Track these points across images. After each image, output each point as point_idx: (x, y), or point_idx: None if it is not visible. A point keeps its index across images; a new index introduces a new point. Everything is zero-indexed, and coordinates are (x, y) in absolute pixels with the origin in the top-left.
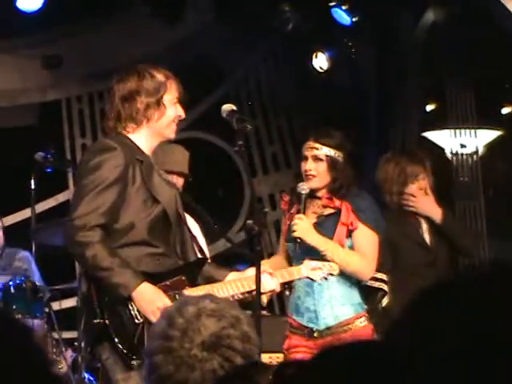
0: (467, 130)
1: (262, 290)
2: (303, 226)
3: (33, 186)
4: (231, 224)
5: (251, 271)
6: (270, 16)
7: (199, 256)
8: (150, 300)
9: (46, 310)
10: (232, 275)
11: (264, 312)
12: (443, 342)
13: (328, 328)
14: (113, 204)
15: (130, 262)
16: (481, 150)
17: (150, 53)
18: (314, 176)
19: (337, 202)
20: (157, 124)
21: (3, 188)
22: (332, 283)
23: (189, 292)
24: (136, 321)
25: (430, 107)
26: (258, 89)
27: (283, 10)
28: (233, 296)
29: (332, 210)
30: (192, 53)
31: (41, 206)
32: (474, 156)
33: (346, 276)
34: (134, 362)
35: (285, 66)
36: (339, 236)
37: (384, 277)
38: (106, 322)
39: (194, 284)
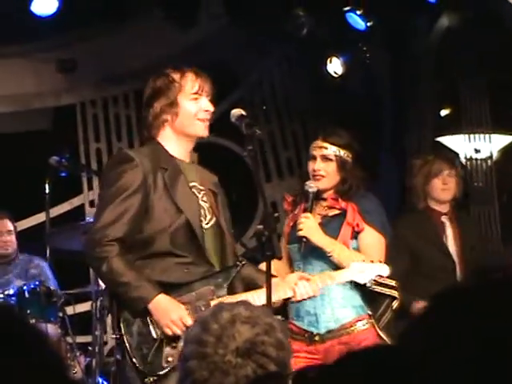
0: (481, 135)
1: (299, 297)
2: (310, 225)
3: (47, 191)
4: (245, 229)
5: (290, 277)
6: (284, 20)
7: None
8: (164, 312)
9: (60, 314)
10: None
11: (278, 317)
12: (458, 347)
13: (329, 331)
14: (133, 215)
15: (156, 273)
16: (495, 155)
17: (163, 57)
18: (322, 176)
19: (342, 203)
20: (177, 124)
21: (18, 192)
22: (333, 285)
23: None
24: (154, 336)
25: (444, 112)
26: (272, 93)
27: (297, 15)
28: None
29: (337, 211)
30: (206, 57)
31: (55, 211)
32: (489, 161)
33: None
34: (148, 380)
35: (299, 71)
36: (344, 236)
37: (393, 283)
38: (124, 337)
39: (229, 292)
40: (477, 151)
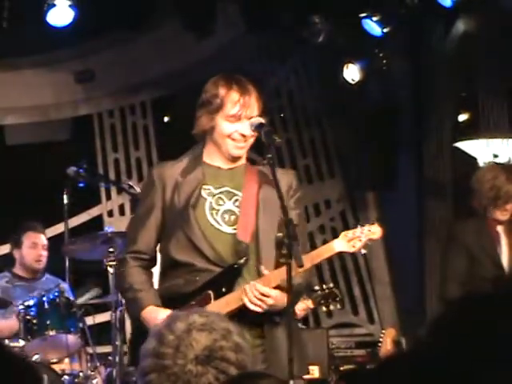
0: (500, 140)
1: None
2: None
3: (65, 201)
4: None
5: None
6: (300, 28)
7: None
8: (154, 323)
9: (80, 324)
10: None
11: (299, 325)
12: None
13: None
14: (150, 232)
15: (180, 283)
16: None
17: (180, 66)
18: None
19: None
20: (212, 137)
21: (36, 203)
22: None
23: (211, 307)
24: None
25: (462, 117)
26: (289, 101)
27: (314, 22)
28: None
29: None
30: (223, 66)
31: (73, 221)
32: None
33: None
34: None
35: (316, 78)
36: None
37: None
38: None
39: (229, 293)
40: (495, 156)
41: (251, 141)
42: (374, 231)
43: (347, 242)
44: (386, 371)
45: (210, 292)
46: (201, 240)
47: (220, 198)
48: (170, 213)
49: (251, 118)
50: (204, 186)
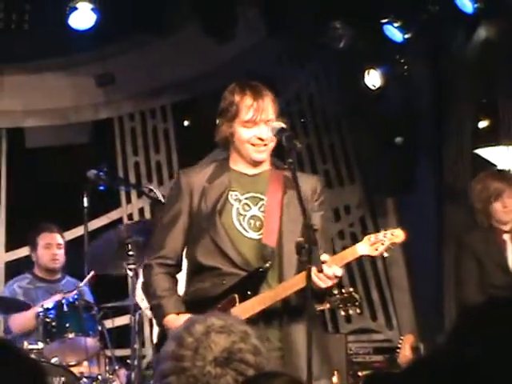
0: None
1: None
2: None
3: (85, 204)
4: None
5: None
6: (322, 33)
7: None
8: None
9: (99, 327)
10: None
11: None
12: None
13: None
14: (177, 238)
15: (206, 287)
16: None
17: (201, 70)
18: None
19: None
20: (234, 144)
21: (56, 206)
22: None
23: (236, 309)
24: None
25: (482, 124)
26: (310, 106)
27: (335, 27)
28: None
29: None
30: (243, 70)
31: (93, 224)
32: None
33: None
34: None
35: (337, 83)
36: None
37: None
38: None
39: (254, 296)
40: None
41: (272, 145)
42: (397, 235)
43: (370, 246)
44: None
45: (236, 295)
46: (227, 245)
47: (246, 203)
48: (196, 218)
49: (268, 121)
50: (231, 192)
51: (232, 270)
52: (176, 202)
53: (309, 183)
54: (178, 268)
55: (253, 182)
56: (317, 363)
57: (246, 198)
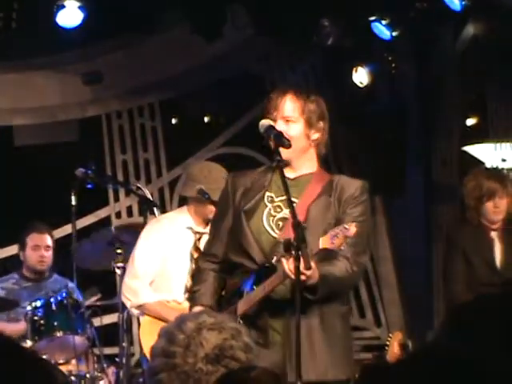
0: (508, 144)
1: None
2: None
3: (73, 202)
4: None
5: None
6: (309, 31)
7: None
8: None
9: (88, 326)
10: None
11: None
12: None
13: None
14: (221, 237)
15: (236, 284)
16: None
17: (189, 68)
18: None
19: None
20: None
21: (44, 204)
22: None
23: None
24: None
25: (470, 121)
26: None
27: (323, 25)
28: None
29: None
30: (231, 68)
31: (81, 222)
32: None
33: None
34: None
35: (325, 81)
36: None
37: None
38: None
39: None
40: (503, 160)
41: (299, 145)
42: (349, 228)
43: (329, 239)
44: (411, 365)
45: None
46: (251, 243)
47: (278, 205)
48: (235, 217)
49: (288, 120)
50: (267, 193)
51: (254, 267)
52: (222, 202)
53: (350, 187)
54: (224, 264)
55: (291, 186)
56: (327, 359)
57: (281, 201)
